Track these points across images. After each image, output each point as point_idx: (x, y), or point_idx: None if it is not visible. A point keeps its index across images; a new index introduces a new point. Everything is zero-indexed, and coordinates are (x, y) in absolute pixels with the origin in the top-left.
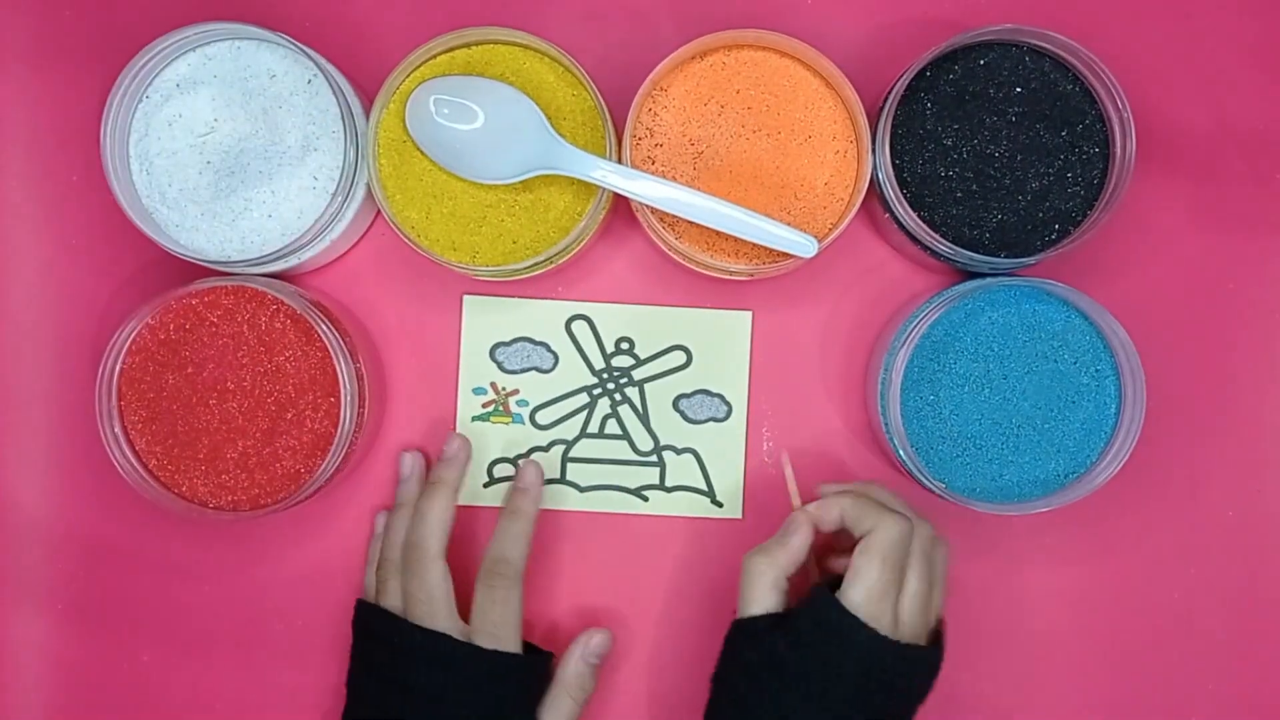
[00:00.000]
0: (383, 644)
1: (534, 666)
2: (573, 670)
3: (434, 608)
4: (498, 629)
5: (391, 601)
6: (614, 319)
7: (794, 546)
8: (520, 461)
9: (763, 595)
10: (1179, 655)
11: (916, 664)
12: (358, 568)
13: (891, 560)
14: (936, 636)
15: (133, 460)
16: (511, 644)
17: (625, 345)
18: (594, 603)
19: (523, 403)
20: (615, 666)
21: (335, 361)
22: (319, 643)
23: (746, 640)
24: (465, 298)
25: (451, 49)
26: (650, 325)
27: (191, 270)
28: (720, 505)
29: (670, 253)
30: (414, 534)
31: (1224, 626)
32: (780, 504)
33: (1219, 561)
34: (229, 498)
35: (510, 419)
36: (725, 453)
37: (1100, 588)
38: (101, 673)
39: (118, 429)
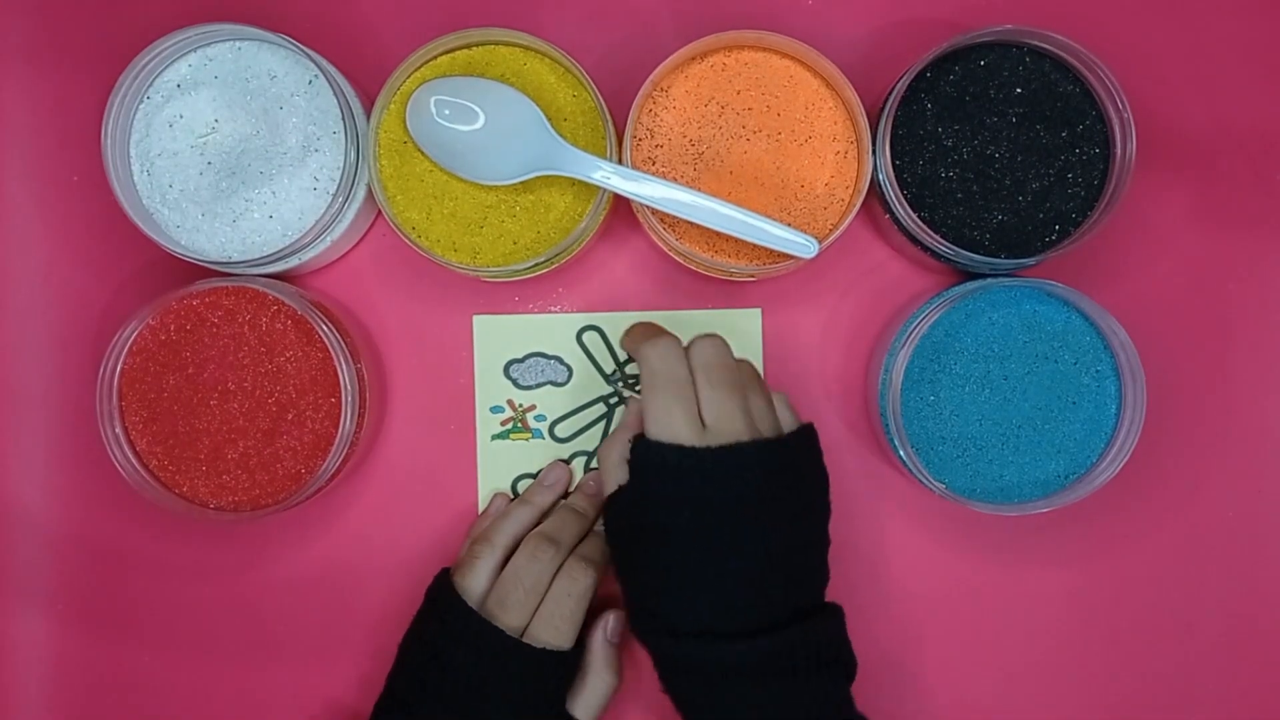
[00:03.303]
0: (437, 617)
1: (573, 660)
2: (599, 654)
3: (518, 595)
4: (563, 622)
5: (470, 581)
6: (624, 327)
7: (627, 421)
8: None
9: (612, 470)
10: (1179, 655)
11: (742, 460)
12: (358, 568)
13: (662, 380)
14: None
15: (133, 461)
16: (567, 640)
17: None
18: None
19: (540, 417)
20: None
21: (336, 362)
22: (319, 643)
23: (611, 515)
24: (475, 318)
25: (452, 50)
26: None
27: (192, 271)
28: None
29: (671, 253)
30: (549, 529)
31: (1224, 626)
32: None
33: (1219, 561)
34: (229, 498)
35: (530, 435)
36: None
37: (1100, 588)
38: (101, 673)
39: (118, 429)
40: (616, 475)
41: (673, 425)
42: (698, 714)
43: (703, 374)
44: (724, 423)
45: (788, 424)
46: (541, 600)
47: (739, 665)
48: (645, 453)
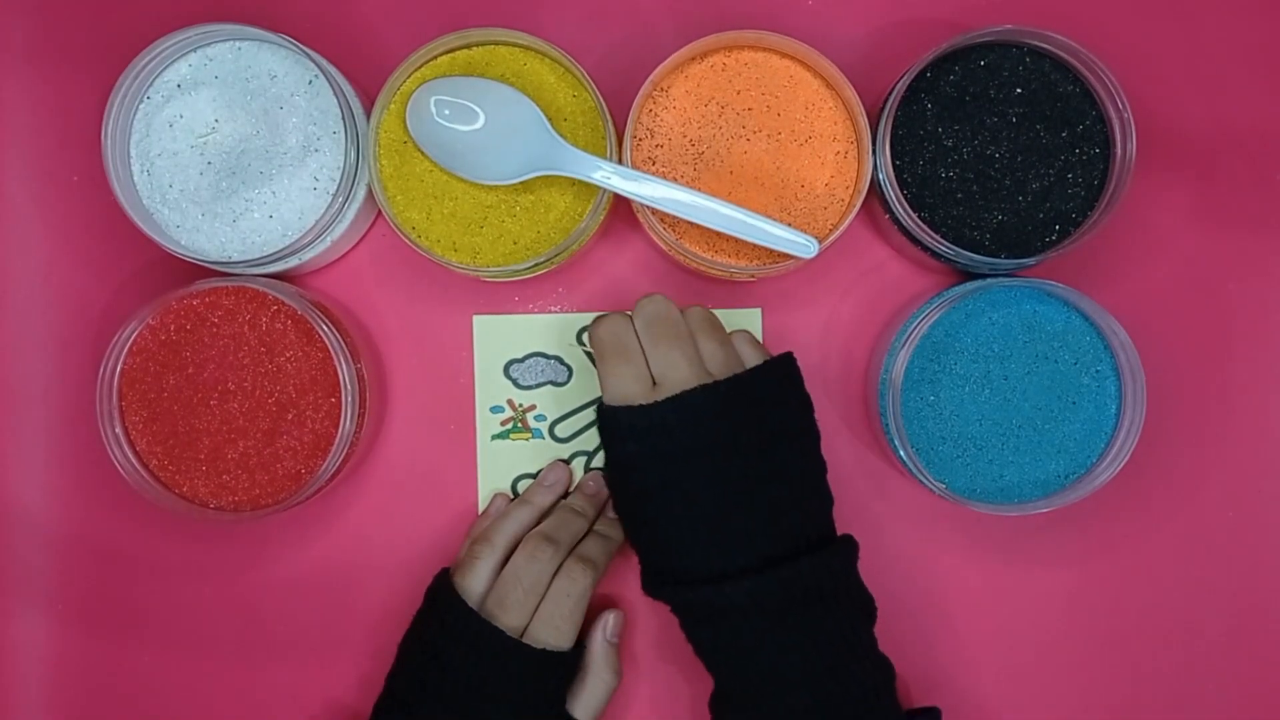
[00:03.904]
0: (437, 617)
1: (573, 660)
2: (599, 653)
3: (517, 595)
4: (563, 622)
5: (470, 581)
6: None
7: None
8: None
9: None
10: (1179, 655)
11: (694, 406)
12: (358, 568)
13: (609, 349)
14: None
15: (133, 461)
16: (567, 640)
17: (720, 331)
18: (619, 598)
19: (540, 417)
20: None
21: (336, 362)
22: (319, 643)
23: (608, 486)
24: (475, 318)
25: (452, 50)
26: None
27: (192, 271)
28: None
29: (671, 253)
30: (548, 528)
31: (1224, 626)
32: None
33: (1219, 561)
34: (230, 498)
35: (530, 435)
36: None
37: (1100, 588)
38: (101, 673)
39: (119, 429)
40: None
41: (623, 387)
42: (709, 657)
43: (644, 333)
44: (670, 373)
45: (752, 360)
46: (541, 600)
47: (727, 607)
48: (604, 419)
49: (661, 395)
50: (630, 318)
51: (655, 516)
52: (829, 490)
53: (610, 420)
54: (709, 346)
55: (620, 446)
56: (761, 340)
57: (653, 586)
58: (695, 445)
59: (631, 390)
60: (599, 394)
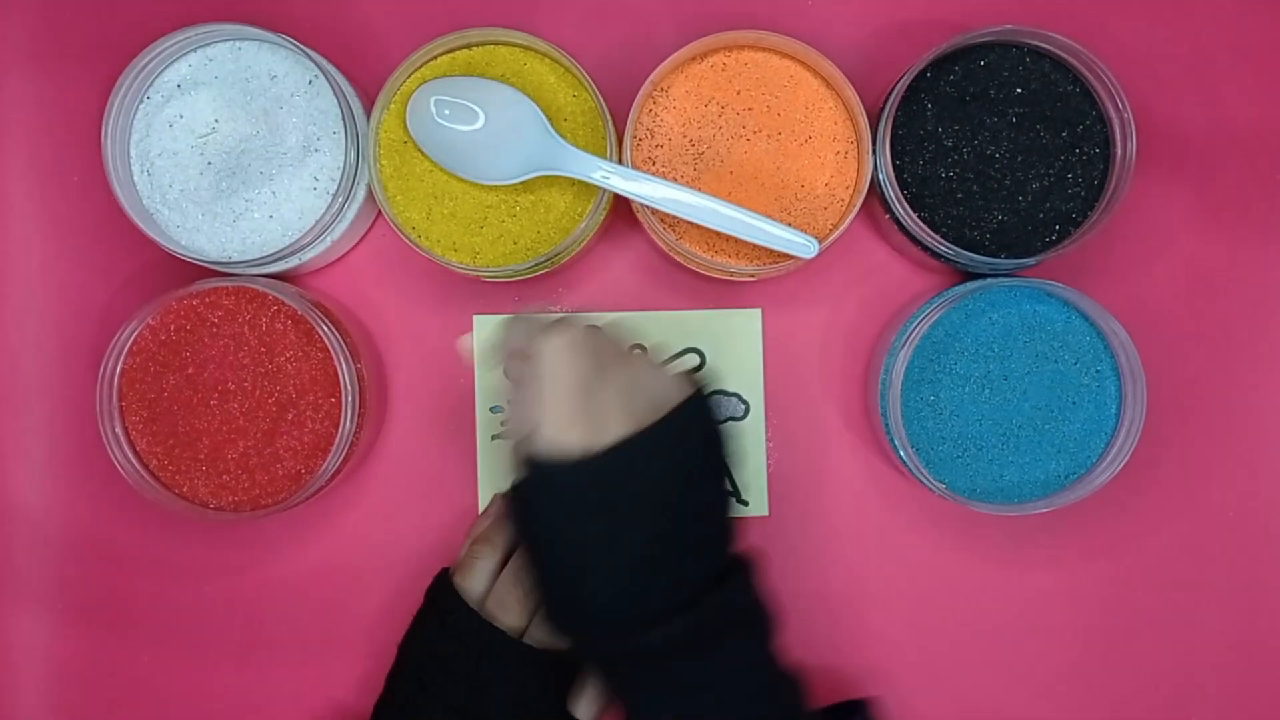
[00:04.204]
0: (437, 617)
1: (571, 661)
2: None
3: (518, 598)
4: None
5: (470, 582)
6: (624, 327)
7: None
8: None
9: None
10: (1179, 655)
11: (634, 456)
12: (358, 568)
13: (545, 386)
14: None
15: (133, 461)
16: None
17: (638, 352)
18: None
19: None
20: None
21: (336, 362)
22: (319, 643)
23: (510, 507)
24: (475, 317)
25: (452, 50)
26: (661, 330)
27: (192, 271)
28: (746, 504)
29: (671, 253)
30: None
31: (1224, 626)
32: (803, 498)
33: (1219, 561)
34: (230, 498)
35: None
36: (747, 451)
37: (1100, 588)
38: (101, 673)
39: (118, 429)
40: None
41: (566, 435)
42: (630, 698)
43: (578, 362)
44: (608, 414)
45: (664, 389)
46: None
47: (651, 652)
48: (533, 461)
49: (596, 443)
50: (578, 338)
51: (586, 564)
52: (733, 521)
53: (542, 465)
54: (636, 379)
55: (548, 490)
56: (761, 340)
57: (563, 631)
58: (630, 495)
59: (569, 438)
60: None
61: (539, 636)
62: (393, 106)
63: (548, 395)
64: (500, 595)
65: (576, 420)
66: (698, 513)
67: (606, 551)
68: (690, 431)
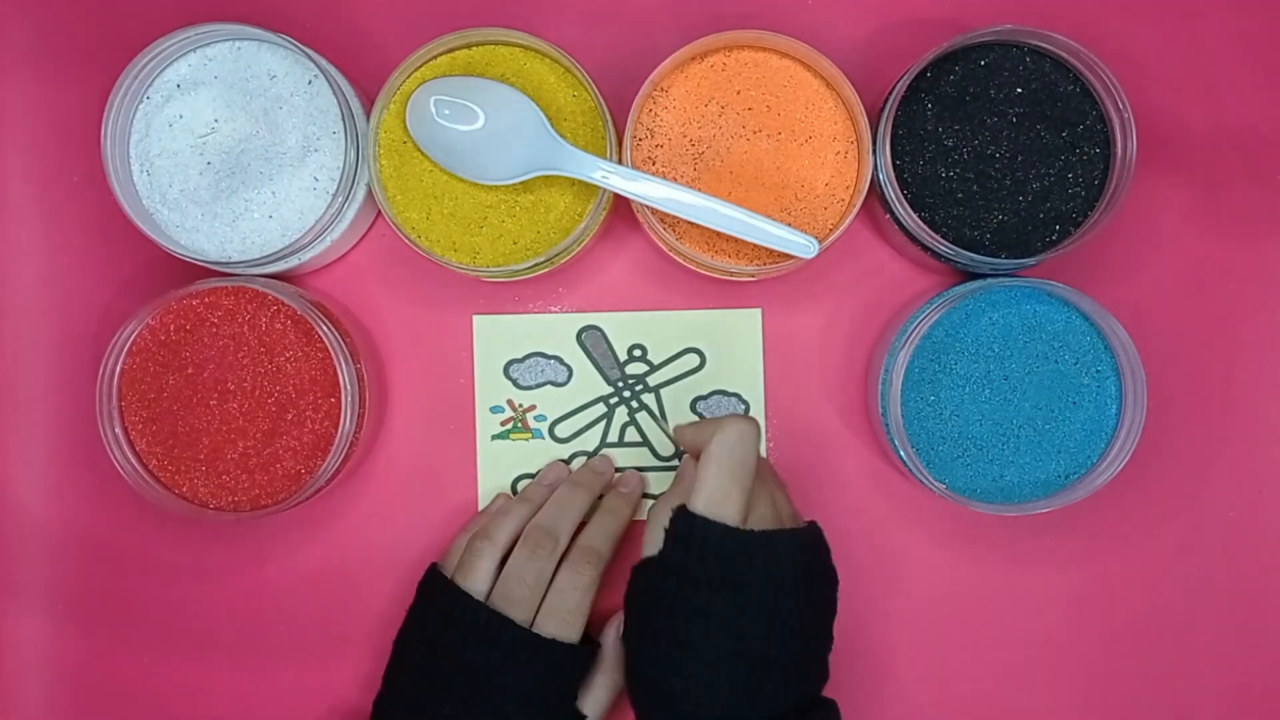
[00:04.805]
0: (438, 611)
1: (584, 657)
2: (611, 653)
3: (522, 592)
4: (570, 615)
5: (471, 579)
6: (624, 327)
7: (683, 487)
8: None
9: (653, 535)
10: (1179, 655)
11: (780, 547)
12: (358, 568)
13: (728, 462)
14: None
15: (133, 461)
16: (575, 632)
17: (638, 352)
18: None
19: (540, 418)
20: None
21: (336, 362)
22: (319, 643)
23: (637, 581)
24: (475, 318)
25: (452, 49)
26: (661, 330)
27: (192, 271)
28: None
29: (671, 253)
30: (546, 519)
31: (1224, 626)
32: (803, 498)
33: (1219, 561)
34: (229, 498)
35: (530, 435)
36: None
37: (1100, 588)
38: (101, 673)
39: (118, 430)
40: (654, 541)
41: (725, 506)
42: None
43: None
44: (761, 510)
45: (793, 509)
46: (545, 594)
47: None
48: (690, 526)
49: (747, 524)
50: (758, 433)
51: (695, 640)
52: (828, 664)
53: (699, 530)
54: (779, 495)
55: (697, 559)
56: (761, 340)
57: (650, 708)
58: (774, 585)
59: (730, 513)
60: (599, 394)
61: (546, 629)
62: (392, 106)
63: (715, 466)
64: (505, 592)
65: (734, 497)
66: (812, 633)
67: (729, 622)
68: (816, 552)
